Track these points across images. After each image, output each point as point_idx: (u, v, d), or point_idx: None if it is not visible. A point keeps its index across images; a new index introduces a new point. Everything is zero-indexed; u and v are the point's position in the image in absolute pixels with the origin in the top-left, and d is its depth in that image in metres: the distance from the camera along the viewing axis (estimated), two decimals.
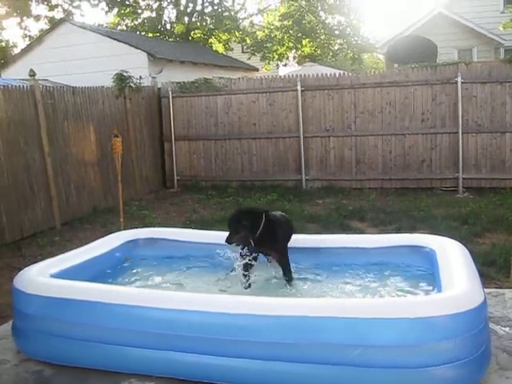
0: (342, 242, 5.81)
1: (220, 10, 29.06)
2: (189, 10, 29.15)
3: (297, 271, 5.35)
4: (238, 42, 30.86)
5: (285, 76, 13.79)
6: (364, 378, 3.66)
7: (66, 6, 27.82)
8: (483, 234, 8.31)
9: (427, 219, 9.21)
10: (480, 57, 20.19)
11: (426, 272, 5.12)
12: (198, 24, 29.42)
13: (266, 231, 5.01)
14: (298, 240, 5.58)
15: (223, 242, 5.19)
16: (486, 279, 5.84)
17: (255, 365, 3.85)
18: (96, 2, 28.40)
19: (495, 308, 5.03)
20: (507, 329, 4.63)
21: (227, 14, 28.98)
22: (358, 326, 3.67)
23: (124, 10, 29.05)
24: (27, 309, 4.46)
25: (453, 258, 4.67)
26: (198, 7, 29.39)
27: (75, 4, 28.08)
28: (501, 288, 5.78)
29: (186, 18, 29.32)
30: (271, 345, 3.79)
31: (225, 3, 29.44)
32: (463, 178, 11.85)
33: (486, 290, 4.23)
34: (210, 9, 29.44)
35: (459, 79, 11.62)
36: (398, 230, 8.37)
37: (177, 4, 29.15)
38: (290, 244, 5.39)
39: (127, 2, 29.14)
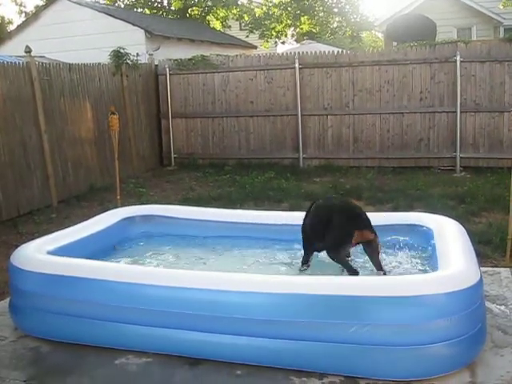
0: None
1: None
2: None
3: (289, 248, 5.41)
4: (236, 20, 30.59)
5: (283, 53, 13.68)
6: (359, 355, 3.68)
7: None
8: (480, 213, 8.31)
9: (424, 198, 9.20)
10: (479, 36, 20.03)
11: (423, 250, 5.14)
12: (196, 0, 29.19)
13: None
14: (293, 216, 5.62)
15: (220, 219, 5.19)
16: (482, 258, 5.85)
17: (253, 342, 3.89)
18: None
19: (491, 287, 5.06)
20: (502, 307, 4.66)
21: None
22: (354, 303, 3.69)
23: None
24: (24, 285, 4.47)
25: (449, 236, 4.69)
26: None
27: None
28: (497, 267, 5.80)
29: None
30: (260, 322, 3.83)
31: None
32: (461, 158, 11.82)
33: (482, 268, 4.25)
34: None
35: (458, 58, 11.54)
36: (395, 209, 8.39)
37: None
38: (286, 221, 5.46)
39: None
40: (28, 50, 9.75)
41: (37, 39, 15.94)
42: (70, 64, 11.08)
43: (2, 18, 28.44)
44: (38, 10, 19.88)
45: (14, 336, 4.54)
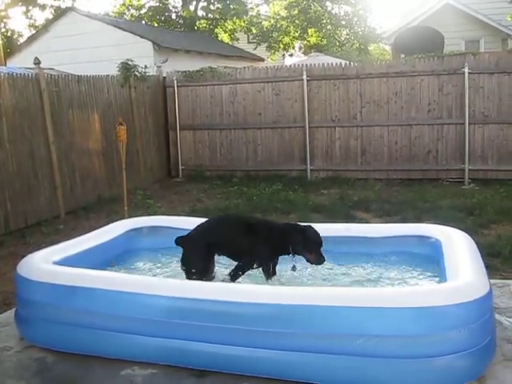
0: (347, 230, 5.77)
1: None
2: None
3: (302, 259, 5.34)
4: (244, 32, 30.76)
5: (290, 66, 13.71)
6: (367, 367, 3.63)
7: None
8: (489, 226, 8.26)
9: (433, 210, 9.16)
10: (487, 48, 20.03)
11: (432, 262, 5.09)
12: (204, 13, 29.42)
13: None
14: None
15: None
16: (492, 270, 5.79)
17: (258, 353, 3.85)
18: None
19: (500, 299, 5.00)
20: None
21: None
22: (362, 315, 3.64)
23: None
24: (30, 295, 4.46)
25: (458, 248, 4.64)
26: None
27: None
28: (506, 279, 5.75)
29: (192, 7, 29.28)
30: (270, 333, 3.79)
31: None
32: (469, 170, 11.78)
33: (491, 280, 4.20)
34: None
35: (466, 70, 11.53)
36: (404, 221, 8.33)
37: None
38: None
39: None
40: (37, 62, 9.82)
41: (46, 51, 16.13)
42: (78, 76, 11.15)
43: (12, 31, 28.62)
44: (48, 23, 20.06)
45: (19, 346, 4.52)
